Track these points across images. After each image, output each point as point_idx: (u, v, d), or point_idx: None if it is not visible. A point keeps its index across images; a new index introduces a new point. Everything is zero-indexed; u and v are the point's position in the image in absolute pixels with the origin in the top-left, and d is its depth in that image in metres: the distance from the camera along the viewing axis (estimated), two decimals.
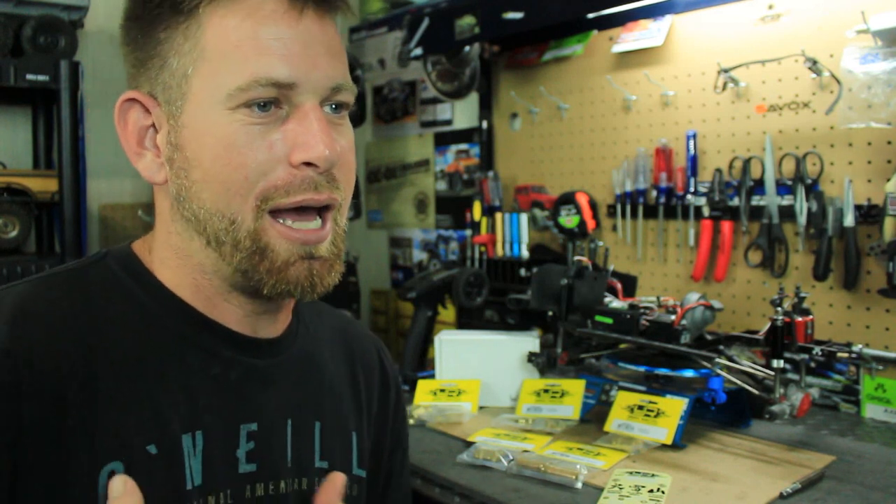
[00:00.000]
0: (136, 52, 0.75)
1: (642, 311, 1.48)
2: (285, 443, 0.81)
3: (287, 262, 0.73)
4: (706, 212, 1.86)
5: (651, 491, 1.15)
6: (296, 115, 0.72)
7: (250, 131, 0.70)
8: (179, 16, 0.71)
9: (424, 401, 1.62)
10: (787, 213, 1.72)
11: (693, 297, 1.47)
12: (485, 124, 2.49)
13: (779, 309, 1.33)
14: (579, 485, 1.19)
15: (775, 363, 1.32)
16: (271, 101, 0.71)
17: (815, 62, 1.64)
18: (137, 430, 0.69)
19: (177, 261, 0.77)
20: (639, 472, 1.22)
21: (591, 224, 2.03)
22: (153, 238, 0.80)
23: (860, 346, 1.42)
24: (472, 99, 2.55)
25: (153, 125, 0.75)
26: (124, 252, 0.80)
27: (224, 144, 0.70)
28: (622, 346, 1.54)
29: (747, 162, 1.79)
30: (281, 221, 0.73)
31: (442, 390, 1.64)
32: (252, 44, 0.70)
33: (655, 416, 1.37)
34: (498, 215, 2.24)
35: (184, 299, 0.77)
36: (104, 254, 0.79)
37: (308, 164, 0.71)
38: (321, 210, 0.75)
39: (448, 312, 2.12)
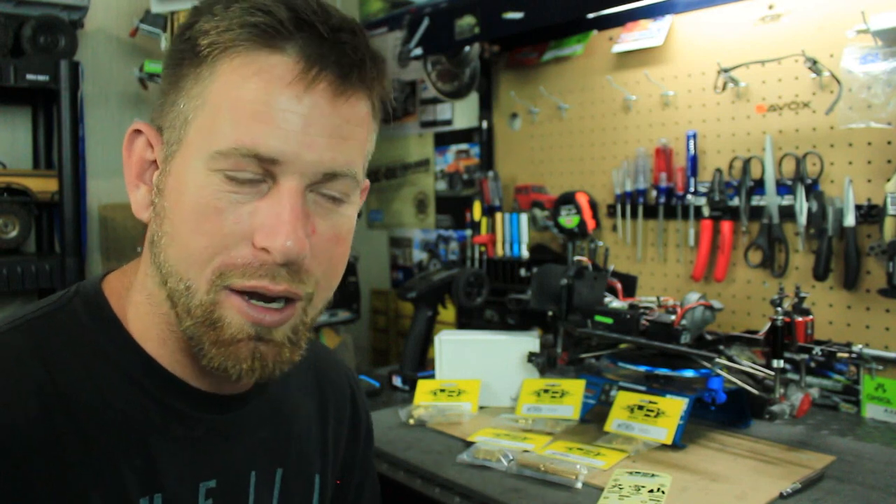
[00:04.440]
0: (163, 83, 0.73)
1: (642, 311, 1.48)
2: (247, 495, 0.79)
3: (234, 338, 0.68)
4: (706, 212, 1.86)
5: (651, 491, 1.15)
6: (274, 193, 0.67)
7: (225, 198, 0.66)
8: (196, 58, 0.68)
9: (424, 401, 1.62)
10: (787, 213, 1.72)
11: (693, 297, 1.47)
12: (485, 124, 2.49)
13: (779, 309, 1.33)
14: (579, 485, 1.19)
15: (775, 363, 1.32)
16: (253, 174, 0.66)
17: (815, 62, 1.64)
18: (99, 496, 0.67)
19: (148, 308, 0.73)
20: (639, 472, 1.22)
21: (591, 224, 2.04)
22: (134, 273, 0.76)
23: (860, 346, 1.42)
24: (472, 99, 2.55)
25: (155, 161, 0.72)
26: (93, 293, 0.75)
27: (196, 205, 0.66)
28: (622, 346, 1.54)
29: (747, 162, 1.79)
30: (239, 294, 0.68)
31: (442, 390, 1.64)
32: (247, 107, 0.65)
33: (655, 416, 1.37)
34: (498, 215, 2.24)
35: (149, 353, 0.73)
36: (73, 294, 0.75)
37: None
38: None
39: (448, 312, 2.12)
